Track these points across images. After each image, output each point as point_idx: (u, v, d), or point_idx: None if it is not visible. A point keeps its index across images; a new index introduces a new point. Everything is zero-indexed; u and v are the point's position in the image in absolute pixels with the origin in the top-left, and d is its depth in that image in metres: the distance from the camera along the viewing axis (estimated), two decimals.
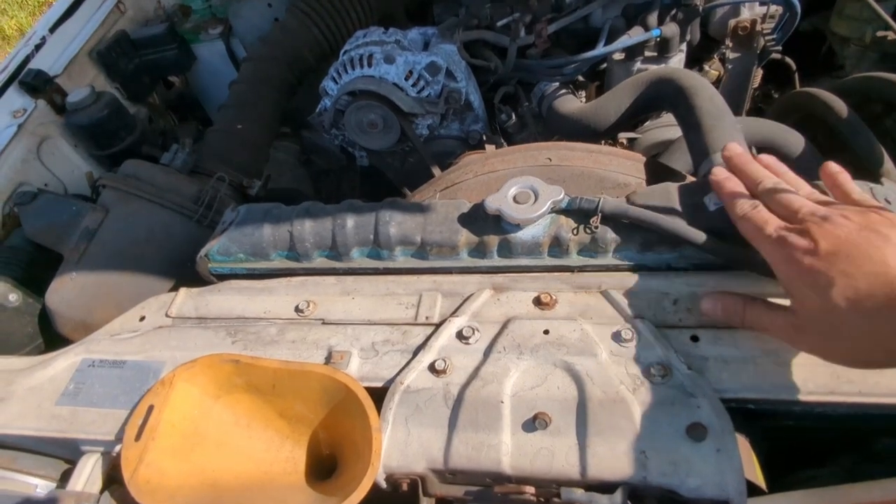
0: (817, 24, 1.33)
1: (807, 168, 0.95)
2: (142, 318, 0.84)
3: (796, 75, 1.28)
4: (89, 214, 1.01)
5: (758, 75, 1.23)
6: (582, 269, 0.74)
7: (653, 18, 1.08)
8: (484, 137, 1.20)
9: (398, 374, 0.68)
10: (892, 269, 0.48)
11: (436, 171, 1.17)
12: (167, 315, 0.83)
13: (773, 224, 0.58)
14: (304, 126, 1.53)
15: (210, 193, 1.01)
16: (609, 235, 0.71)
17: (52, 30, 1.40)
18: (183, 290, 0.86)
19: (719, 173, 0.67)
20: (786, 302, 0.58)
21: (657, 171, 0.86)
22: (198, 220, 1.01)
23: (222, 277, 0.87)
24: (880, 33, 1.16)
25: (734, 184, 0.65)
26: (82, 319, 0.96)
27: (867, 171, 0.89)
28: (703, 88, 0.84)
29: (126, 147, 1.29)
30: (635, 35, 1.07)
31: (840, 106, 0.94)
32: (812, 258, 0.51)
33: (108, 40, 1.48)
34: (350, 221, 0.80)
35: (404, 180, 1.29)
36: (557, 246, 0.73)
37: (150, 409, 0.70)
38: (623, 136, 1.13)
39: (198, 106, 1.79)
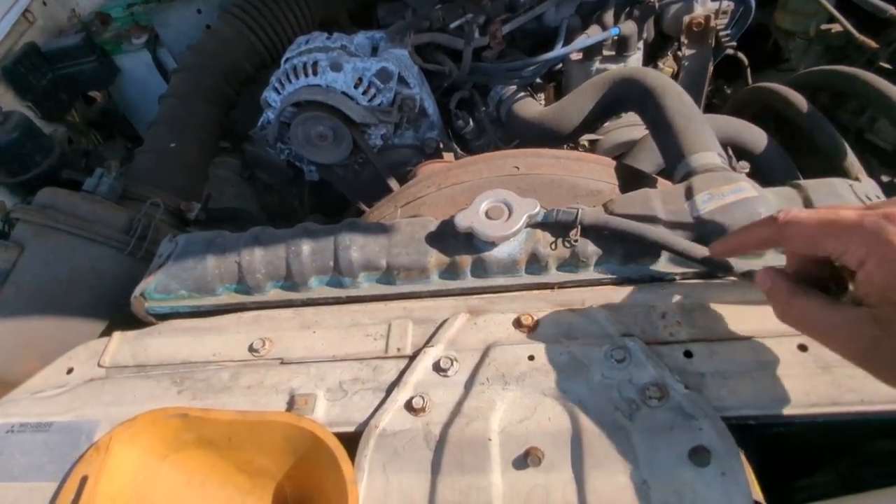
0: (762, 18, 1.34)
1: (769, 163, 0.95)
2: (69, 371, 0.74)
3: (748, 70, 1.29)
4: (1, 253, 0.89)
5: (709, 71, 1.22)
6: (563, 285, 0.69)
7: (609, 17, 1.05)
8: (441, 145, 1.14)
9: (371, 415, 0.61)
10: None
11: (392, 183, 1.10)
12: (100, 365, 0.73)
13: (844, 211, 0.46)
14: (246, 139, 1.43)
15: (143, 222, 0.90)
16: (590, 248, 0.67)
17: None
18: (117, 335, 0.76)
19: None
20: None
21: (628, 176, 0.83)
22: (130, 253, 0.91)
23: (163, 317, 0.78)
24: (824, 26, 1.18)
25: None
26: None
27: (831, 164, 0.89)
28: (671, 87, 0.81)
29: (43, 172, 1.16)
30: (594, 35, 1.04)
31: (800, 101, 0.94)
32: None
33: (16, 54, 1.33)
34: (306, 248, 0.72)
35: (358, 194, 1.21)
36: (536, 262, 0.68)
37: (84, 480, 0.61)
38: (585, 139, 1.10)
39: (125, 122, 1.65)
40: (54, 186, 1.04)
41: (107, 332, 0.79)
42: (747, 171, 0.74)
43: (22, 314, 0.87)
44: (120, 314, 0.81)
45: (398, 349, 0.67)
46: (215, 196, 1.33)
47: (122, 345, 0.74)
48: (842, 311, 0.46)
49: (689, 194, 0.67)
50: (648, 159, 0.98)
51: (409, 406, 0.60)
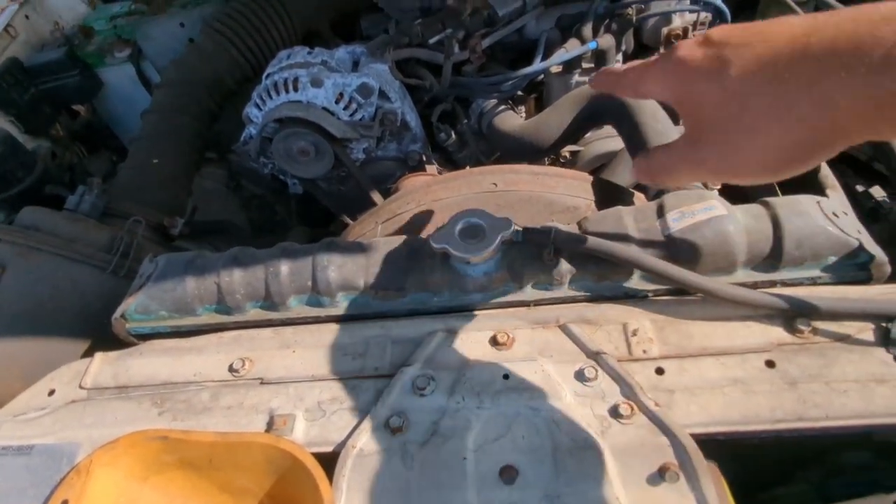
0: None
1: None
2: (51, 392, 0.74)
3: None
4: None
5: None
6: (538, 303, 0.70)
7: (588, 30, 1.06)
8: (423, 158, 1.15)
9: (349, 435, 0.62)
10: (783, 32, 0.41)
11: (375, 196, 1.11)
12: (81, 386, 0.74)
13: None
14: (231, 150, 1.44)
15: (125, 240, 0.91)
16: (563, 267, 0.68)
17: None
18: (98, 356, 0.76)
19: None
20: None
21: (605, 191, 0.84)
22: (113, 272, 0.91)
23: (144, 338, 0.78)
24: None
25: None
26: None
27: (805, 176, 0.90)
28: (646, 103, 0.82)
29: (26, 188, 1.16)
30: (572, 48, 1.05)
31: None
32: (705, 49, 0.43)
33: None
34: (284, 268, 0.73)
35: (342, 208, 1.22)
36: (511, 281, 0.69)
37: None
38: (566, 150, 1.11)
39: (109, 135, 1.64)
40: (38, 202, 1.04)
41: (90, 352, 0.80)
42: (719, 187, 0.75)
43: (4, 335, 0.87)
44: (103, 333, 0.81)
45: (376, 368, 0.67)
46: (202, 208, 1.33)
47: (103, 366, 0.75)
48: (677, 143, 0.48)
49: (661, 212, 0.68)
50: (626, 172, 0.99)
51: (386, 425, 0.61)
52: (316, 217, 1.54)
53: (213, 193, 1.49)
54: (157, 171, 1.14)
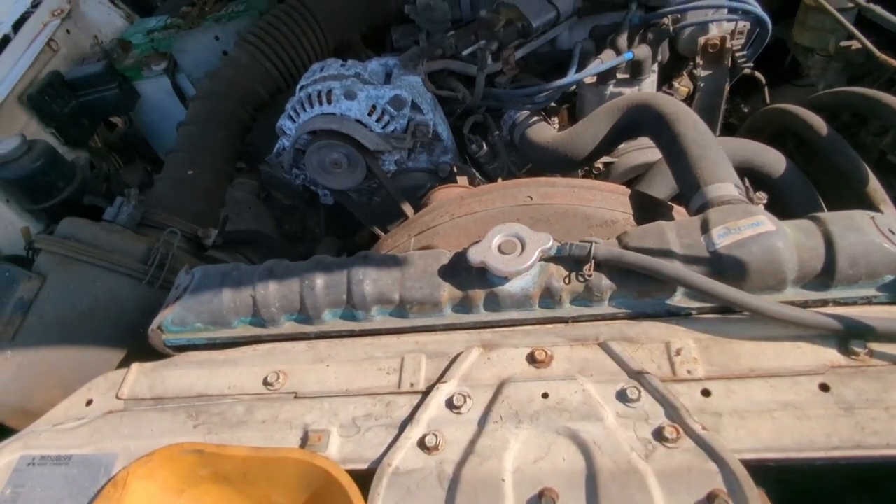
0: (780, 32, 1.32)
1: (790, 189, 0.93)
2: (89, 402, 0.75)
3: (766, 89, 1.27)
4: (23, 283, 0.91)
5: (726, 90, 1.21)
6: (577, 319, 0.69)
7: (622, 40, 1.04)
8: (455, 169, 1.14)
9: (384, 453, 0.61)
10: None
11: (406, 207, 1.11)
12: (118, 397, 0.74)
13: None
14: (262, 160, 1.45)
15: (161, 251, 0.92)
16: (604, 283, 0.66)
17: None
18: (135, 367, 0.77)
19: None
20: None
21: (643, 204, 0.82)
22: (149, 282, 0.92)
23: (179, 349, 0.79)
24: (844, 43, 1.16)
25: None
26: (20, 405, 0.86)
27: (853, 190, 0.87)
28: (685, 114, 0.80)
29: (65, 198, 1.19)
30: (607, 59, 1.03)
31: (819, 123, 0.92)
32: None
33: (40, 82, 1.37)
34: (320, 281, 0.73)
35: (373, 219, 1.22)
36: (549, 297, 0.68)
37: None
38: (599, 162, 1.09)
39: (145, 146, 1.68)
40: (76, 212, 1.07)
41: (126, 362, 0.80)
42: (765, 202, 0.72)
43: (44, 344, 0.88)
44: (139, 343, 0.82)
45: (411, 384, 0.66)
46: (233, 218, 1.35)
47: (139, 377, 0.75)
48: None
49: (705, 228, 0.65)
50: (663, 183, 0.97)
51: (422, 444, 0.60)
52: (345, 227, 1.54)
53: (243, 204, 1.50)
54: (193, 182, 1.16)
